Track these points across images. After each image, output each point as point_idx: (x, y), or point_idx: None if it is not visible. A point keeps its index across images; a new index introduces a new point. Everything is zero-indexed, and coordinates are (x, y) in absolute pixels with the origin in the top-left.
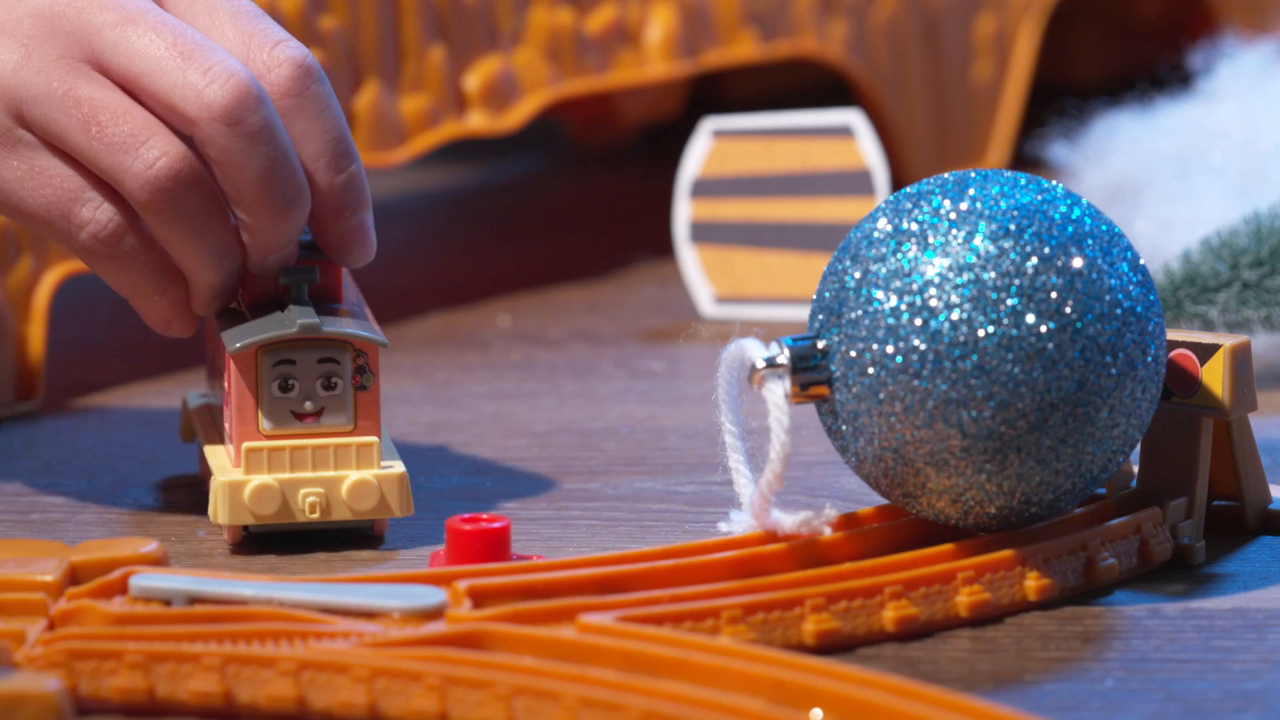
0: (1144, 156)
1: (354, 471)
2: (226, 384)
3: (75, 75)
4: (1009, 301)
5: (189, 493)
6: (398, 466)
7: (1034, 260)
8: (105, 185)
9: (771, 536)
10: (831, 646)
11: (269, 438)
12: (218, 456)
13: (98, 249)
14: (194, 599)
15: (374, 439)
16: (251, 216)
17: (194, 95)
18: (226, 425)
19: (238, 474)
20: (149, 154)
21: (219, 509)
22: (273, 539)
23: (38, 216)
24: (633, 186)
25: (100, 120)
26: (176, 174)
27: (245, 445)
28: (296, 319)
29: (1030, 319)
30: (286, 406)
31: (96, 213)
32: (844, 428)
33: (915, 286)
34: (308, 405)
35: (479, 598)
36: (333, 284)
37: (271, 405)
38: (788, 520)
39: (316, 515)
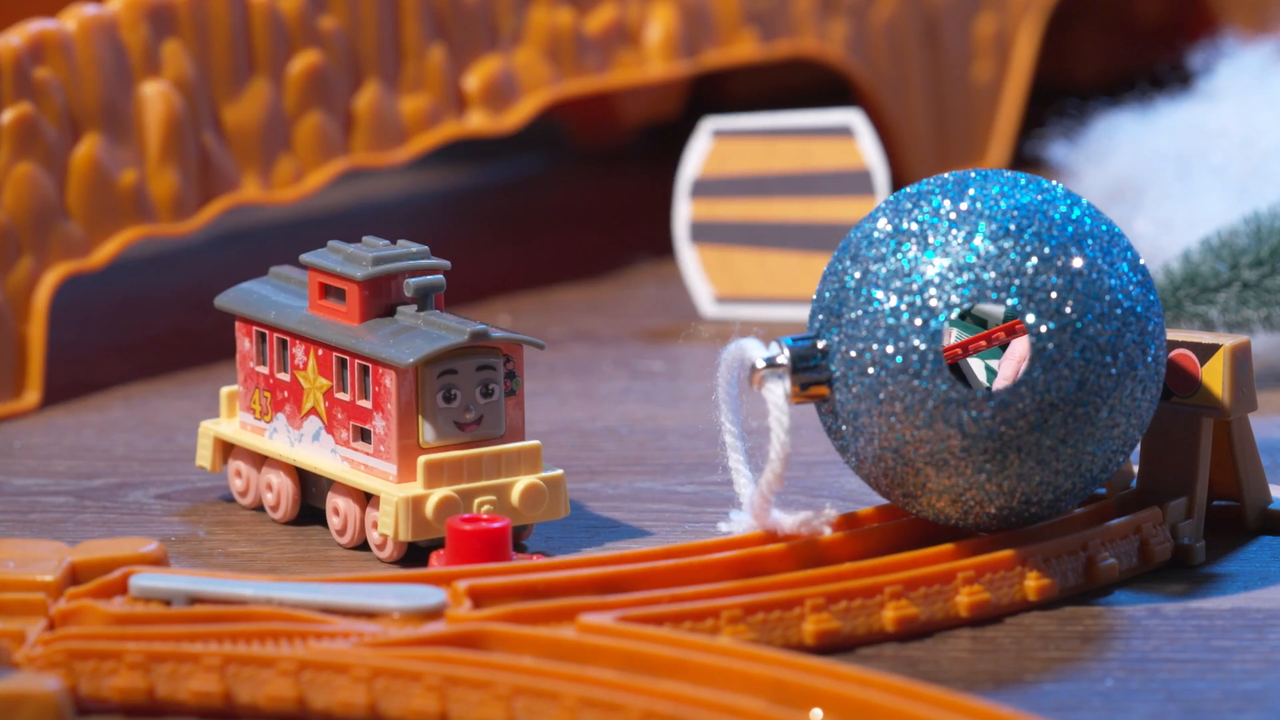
0: (1144, 156)
1: (521, 478)
2: (370, 402)
3: None
4: (1009, 301)
5: (189, 493)
6: (555, 469)
7: (1034, 260)
8: None
9: (771, 536)
10: (831, 646)
11: (433, 450)
12: (354, 476)
13: None
14: (194, 599)
15: (537, 444)
16: None
17: None
18: (357, 444)
19: (415, 488)
20: None
21: (401, 526)
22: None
23: None
24: (633, 186)
25: None
26: None
27: (423, 459)
28: (460, 327)
29: (1030, 319)
30: (450, 417)
31: None
32: (844, 428)
33: (915, 286)
34: (469, 414)
35: (479, 598)
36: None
37: (436, 416)
38: (788, 520)
39: None
